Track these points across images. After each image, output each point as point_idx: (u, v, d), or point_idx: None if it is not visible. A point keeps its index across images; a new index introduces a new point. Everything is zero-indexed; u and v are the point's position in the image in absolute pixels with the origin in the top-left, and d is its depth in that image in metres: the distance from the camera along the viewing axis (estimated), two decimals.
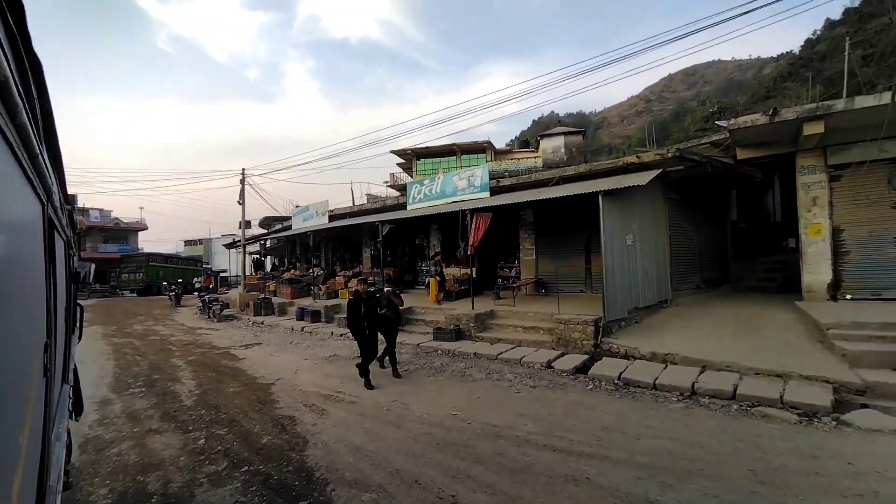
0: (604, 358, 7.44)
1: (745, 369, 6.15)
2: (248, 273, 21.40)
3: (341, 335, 10.93)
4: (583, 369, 7.13)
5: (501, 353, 8.15)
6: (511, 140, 48.53)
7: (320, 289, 15.77)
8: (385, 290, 8.03)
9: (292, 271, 19.61)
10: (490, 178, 12.78)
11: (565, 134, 34.27)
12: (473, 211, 10.48)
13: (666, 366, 6.71)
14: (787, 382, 5.75)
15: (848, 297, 7.93)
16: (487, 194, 12.53)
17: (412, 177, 32.06)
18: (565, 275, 12.10)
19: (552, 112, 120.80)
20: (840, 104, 6.92)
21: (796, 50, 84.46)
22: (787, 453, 4.17)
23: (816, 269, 8.16)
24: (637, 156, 9.87)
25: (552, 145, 33.77)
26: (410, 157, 32.46)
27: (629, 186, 8.05)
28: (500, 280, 13.32)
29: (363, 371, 6.81)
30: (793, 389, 5.52)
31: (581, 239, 11.66)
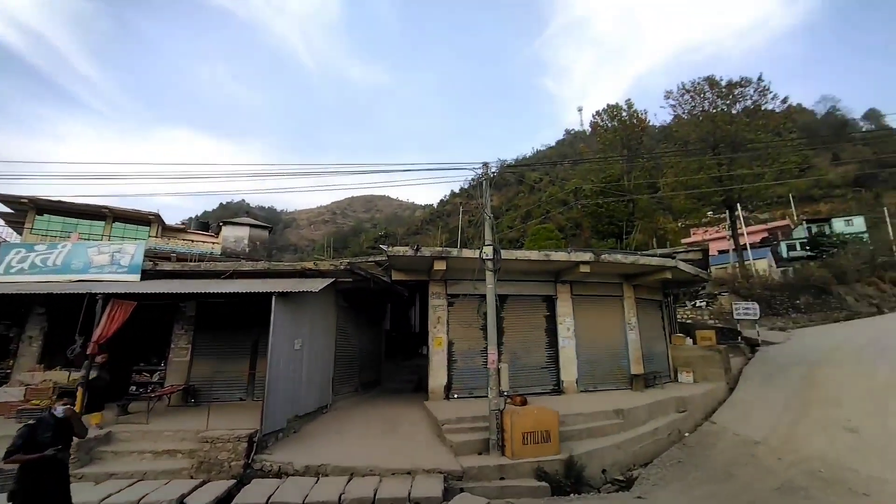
0: (254, 480, 6.61)
1: (384, 471, 6.73)
2: None
3: None
4: (226, 499, 6.07)
5: (109, 496, 5.99)
6: (189, 218, 42.85)
7: None
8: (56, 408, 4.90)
9: None
10: (148, 258, 10.53)
11: (252, 226, 33.31)
12: (111, 296, 8.16)
13: (318, 479, 6.55)
14: (415, 478, 6.61)
15: (455, 396, 10.33)
16: (137, 277, 10.17)
17: (21, 236, 22.75)
18: (225, 380, 10.69)
19: (243, 200, 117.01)
20: (454, 252, 9.72)
21: (435, 204, 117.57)
22: None
23: (438, 374, 10.36)
24: (315, 263, 10.50)
25: (235, 234, 31.92)
26: (25, 209, 23.23)
27: (304, 291, 8.27)
28: (135, 388, 10.40)
29: None
30: (418, 485, 6.36)
31: (248, 340, 10.79)
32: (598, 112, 36.82)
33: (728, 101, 29.40)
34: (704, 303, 24.93)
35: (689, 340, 14.08)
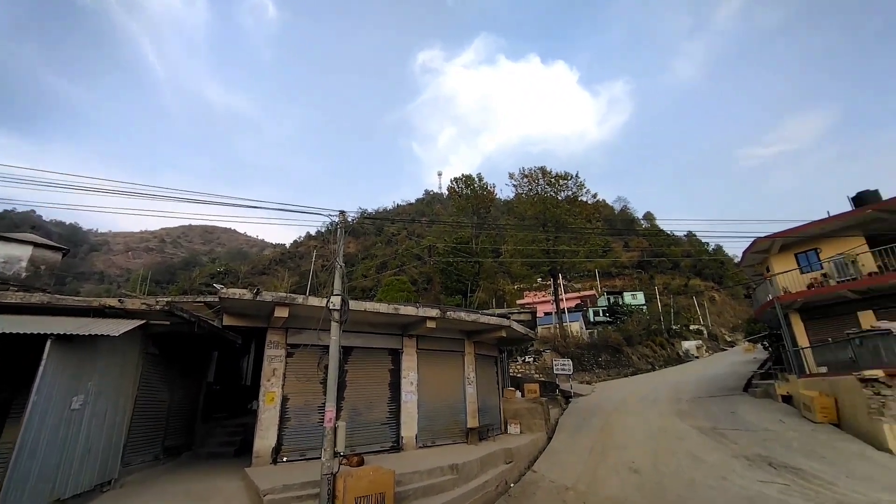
0: None
1: None
2: None
3: None
4: None
5: None
6: None
7: None
8: None
9: None
10: None
11: (37, 245, 26.17)
12: None
13: None
14: None
15: (285, 459, 9.23)
16: None
17: None
18: None
19: (33, 211, 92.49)
20: (300, 299, 9.11)
21: (288, 244, 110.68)
22: None
23: (267, 434, 9.18)
24: (120, 299, 8.60)
25: (9, 253, 24.58)
26: None
27: (96, 335, 6.64)
28: None
29: None
30: None
31: None
32: (455, 179, 40.53)
33: (555, 189, 35.43)
34: (532, 358, 27.96)
35: (518, 393, 15.46)
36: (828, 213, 16.80)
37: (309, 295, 9.64)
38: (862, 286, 14.89)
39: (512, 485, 10.28)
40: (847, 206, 16.82)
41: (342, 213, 8.44)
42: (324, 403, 7.64)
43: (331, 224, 8.40)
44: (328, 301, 7.74)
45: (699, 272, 67.41)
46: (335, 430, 7.04)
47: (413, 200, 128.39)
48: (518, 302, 43.25)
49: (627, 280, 64.75)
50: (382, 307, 10.52)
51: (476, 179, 39.97)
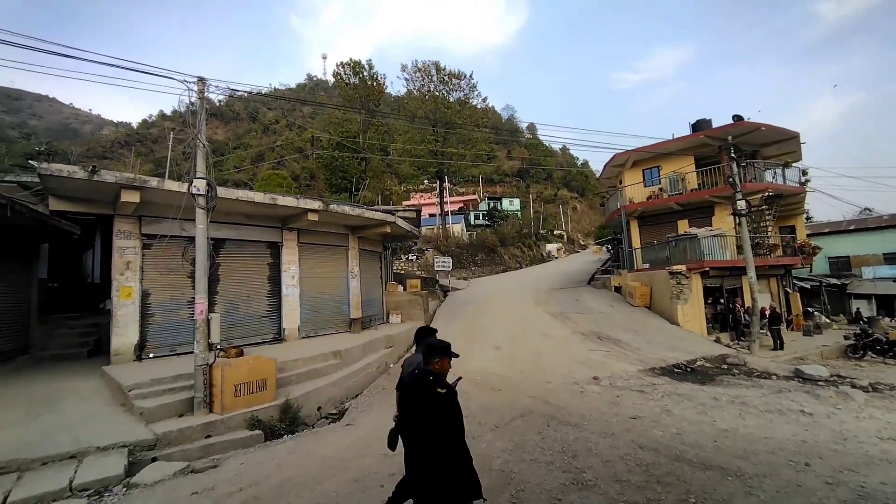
0: None
1: (28, 462, 5.04)
2: None
3: None
4: None
5: None
6: None
7: None
8: None
9: None
10: None
11: None
12: None
13: None
14: (82, 461, 5.24)
15: (151, 355, 8.65)
16: None
17: None
18: None
19: None
20: (154, 181, 7.84)
21: (134, 124, 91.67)
22: None
23: (125, 332, 8.37)
24: None
25: None
26: None
27: None
28: None
29: None
30: (86, 468, 5.09)
31: None
32: (341, 63, 36.34)
33: (448, 88, 34.41)
34: (415, 256, 29.27)
35: (400, 288, 16.31)
36: (672, 135, 19.48)
37: (168, 179, 8.31)
38: (684, 199, 18.15)
39: (392, 365, 11.29)
40: (688, 131, 19.66)
41: (201, 80, 7.08)
42: (193, 297, 7.11)
43: (190, 100, 6.99)
44: (190, 185, 6.80)
45: (567, 183, 74.71)
46: (208, 321, 6.69)
47: (293, 85, 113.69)
48: (404, 203, 43.61)
49: (507, 187, 69.05)
50: (258, 196, 9.68)
51: (366, 67, 36.45)
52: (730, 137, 15.74)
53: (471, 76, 34.72)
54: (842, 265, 31.35)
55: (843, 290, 28.24)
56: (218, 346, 7.06)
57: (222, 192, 8.33)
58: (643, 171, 20.63)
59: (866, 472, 4.99)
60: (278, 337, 10.92)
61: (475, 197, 58.96)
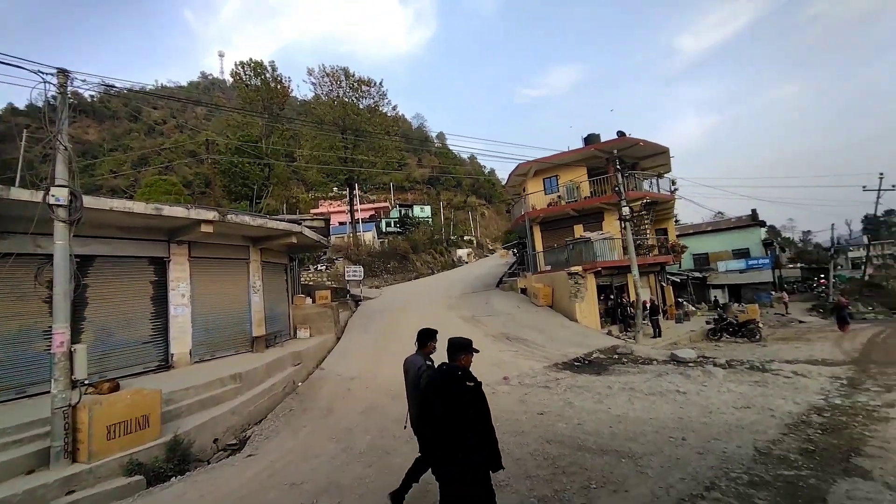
0: None
1: None
2: None
3: None
4: None
5: None
6: None
7: None
8: None
9: None
10: None
11: None
12: None
13: None
14: None
15: None
16: None
17: None
18: None
19: None
20: None
21: None
22: None
23: None
24: None
25: None
26: None
27: None
28: None
29: None
30: None
31: None
32: (241, 63, 33.76)
33: (357, 95, 33.80)
34: (324, 266, 28.14)
35: (309, 300, 15.51)
36: (568, 147, 21.27)
37: (18, 186, 6.92)
38: (579, 206, 19.88)
39: (300, 384, 10.65)
40: (581, 144, 21.62)
41: (62, 72, 6.05)
42: (52, 327, 5.98)
43: (47, 95, 5.90)
44: (47, 194, 5.76)
45: (476, 191, 77.56)
46: (70, 354, 5.68)
47: (185, 83, 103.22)
48: (312, 211, 41.75)
49: (418, 194, 69.67)
50: (139, 206, 8.51)
51: (269, 69, 34.26)
52: (615, 151, 17.62)
53: (381, 83, 34.52)
54: (703, 261, 36.64)
55: (704, 282, 32.99)
56: (86, 382, 6.03)
57: (91, 201, 7.19)
58: (544, 179, 22.19)
59: (727, 440, 5.82)
60: (165, 364, 9.69)
61: (386, 204, 58.57)
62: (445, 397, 3.36)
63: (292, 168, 40.60)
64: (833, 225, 36.41)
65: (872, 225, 52.30)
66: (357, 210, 38.13)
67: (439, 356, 4.17)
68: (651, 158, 21.57)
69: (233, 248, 11.68)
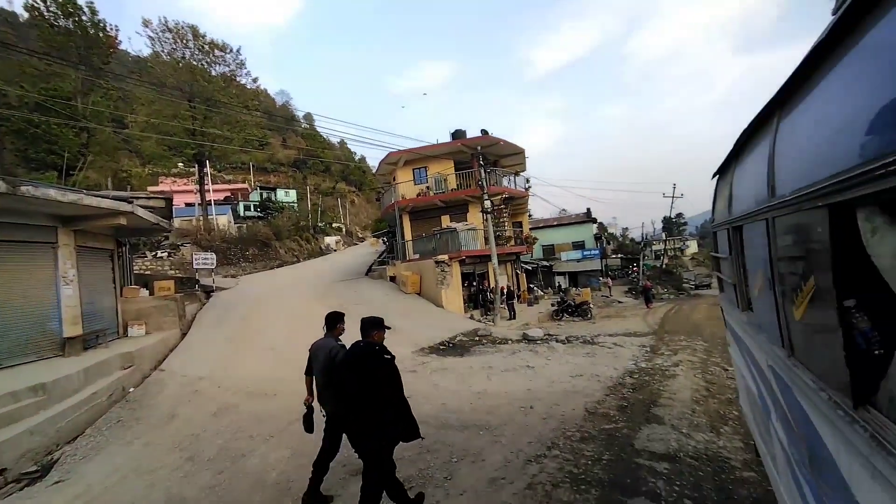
0: None
1: None
2: None
3: None
4: None
5: None
6: None
7: None
8: None
9: None
10: None
11: None
12: None
13: None
14: None
15: None
16: None
17: None
18: None
19: None
20: None
21: None
22: None
23: None
24: None
25: None
26: None
27: None
28: None
29: None
30: None
31: None
32: None
33: (209, 60, 29.64)
34: (166, 253, 24.42)
35: (144, 292, 13.30)
36: (437, 140, 22.05)
37: None
38: (447, 198, 20.84)
39: (132, 389, 9.13)
40: (449, 138, 22.58)
41: None
42: None
43: None
44: None
45: (346, 177, 75.17)
46: None
47: None
48: (150, 188, 35.51)
49: (283, 177, 64.63)
50: None
51: (85, 10, 27.57)
52: (479, 148, 18.87)
53: (238, 51, 30.72)
54: (550, 251, 41.83)
55: (550, 270, 37.71)
56: None
57: None
58: (413, 170, 22.64)
59: (565, 404, 6.83)
60: None
61: (245, 186, 53.14)
62: (361, 373, 3.46)
63: (122, 136, 33.86)
64: (643, 224, 45.25)
65: (668, 224, 65.92)
66: (209, 190, 33.72)
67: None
68: (510, 157, 23.68)
69: (33, 228, 9.33)
